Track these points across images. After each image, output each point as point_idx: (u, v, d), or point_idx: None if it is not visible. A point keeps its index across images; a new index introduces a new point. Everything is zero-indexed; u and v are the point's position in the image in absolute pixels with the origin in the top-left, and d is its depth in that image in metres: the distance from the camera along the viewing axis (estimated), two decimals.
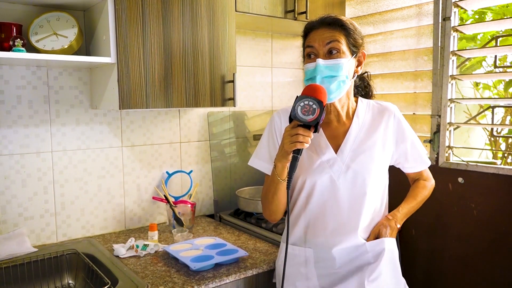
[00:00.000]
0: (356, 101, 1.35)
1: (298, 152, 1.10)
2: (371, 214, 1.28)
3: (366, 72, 1.45)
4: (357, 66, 1.29)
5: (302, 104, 1.08)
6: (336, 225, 1.25)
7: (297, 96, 1.10)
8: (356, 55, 1.26)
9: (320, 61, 1.20)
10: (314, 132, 1.10)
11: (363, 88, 1.43)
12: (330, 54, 1.21)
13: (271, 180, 1.23)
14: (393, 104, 1.36)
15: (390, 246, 1.27)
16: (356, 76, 1.30)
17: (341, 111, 1.31)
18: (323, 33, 1.22)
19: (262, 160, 1.36)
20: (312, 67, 1.21)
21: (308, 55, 1.25)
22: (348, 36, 1.23)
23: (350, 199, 1.25)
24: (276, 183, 1.20)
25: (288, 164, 1.14)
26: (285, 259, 1.17)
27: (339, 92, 1.23)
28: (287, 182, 1.12)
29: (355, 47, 1.25)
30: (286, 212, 1.22)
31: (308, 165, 1.27)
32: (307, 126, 1.09)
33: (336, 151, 1.27)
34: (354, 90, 1.37)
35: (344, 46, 1.22)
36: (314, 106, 1.08)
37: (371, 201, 1.27)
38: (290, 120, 1.11)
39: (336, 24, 1.23)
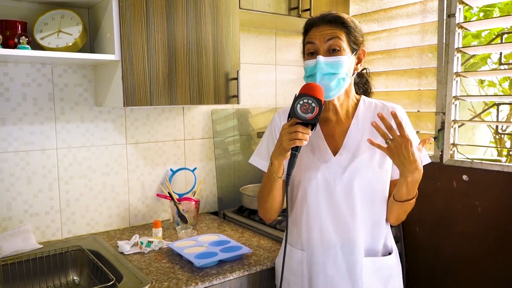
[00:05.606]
0: (359, 100, 1.33)
1: (296, 149, 1.11)
2: (371, 219, 1.23)
3: (365, 68, 1.42)
4: (356, 64, 1.28)
5: (301, 102, 1.09)
6: (332, 228, 1.22)
7: (296, 94, 1.11)
8: (356, 53, 1.25)
9: (320, 58, 1.19)
10: (311, 130, 1.11)
11: (362, 85, 1.41)
12: (331, 51, 1.20)
13: (267, 178, 1.22)
14: (398, 105, 1.30)
15: (389, 262, 1.25)
16: (355, 73, 1.29)
17: (340, 110, 1.29)
18: (324, 30, 1.21)
19: (262, 158, 1.36)
20: (312, 64, 1.21)
21: (309, 53, 1.23)
22: (349, 34, 1.22)
23: (347, 202, 1.21)
24: (272, 180, 1.20)
25: (284, 161, 1.14)
26: (284, 260, 1.16)
27: (338, 89, 1.21)
28: (286, 179, 1.12)
29: (355, 45, 1.24)
30: (287, 211, 1.21)
31: (304, 165, 1.25)
32: (305, 124, 1.10)
33: (334, 152, 1.25)
34: (354, 87, 1.35)
35: (344, 44, 1.20)
36: (313, 104, 1.08)
37: (370, 206, 1.23)
38: (289, 117, 1.11)
39: (337, 22, 1.21)
